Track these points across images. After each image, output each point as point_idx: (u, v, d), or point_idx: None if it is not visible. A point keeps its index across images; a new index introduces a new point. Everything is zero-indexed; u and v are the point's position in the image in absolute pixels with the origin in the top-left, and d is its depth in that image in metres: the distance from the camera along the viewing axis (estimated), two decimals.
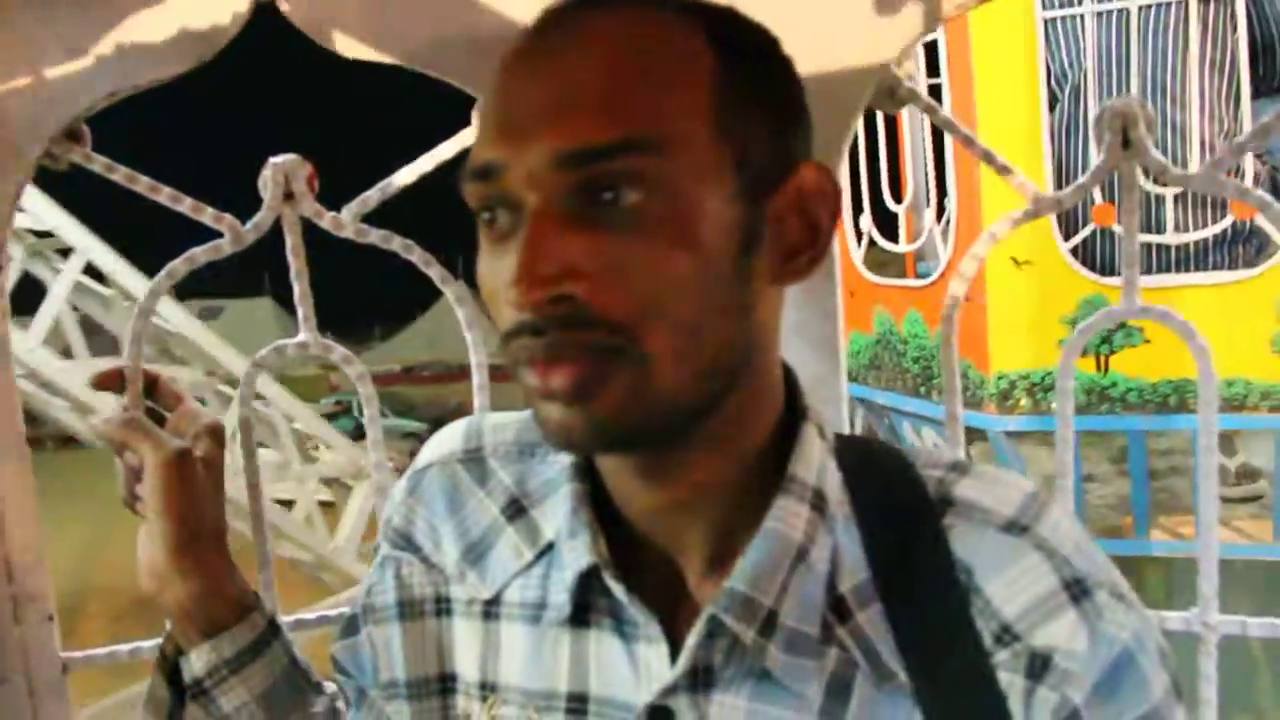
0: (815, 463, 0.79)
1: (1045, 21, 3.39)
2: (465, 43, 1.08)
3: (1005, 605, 0.74)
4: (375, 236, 1.24)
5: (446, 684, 0.89)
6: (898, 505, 0.79)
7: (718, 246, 0.70)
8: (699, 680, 0.77)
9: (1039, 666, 0.73)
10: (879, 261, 5.09)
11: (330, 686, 1.07)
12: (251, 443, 1.24)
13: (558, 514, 0.84)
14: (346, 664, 0.96)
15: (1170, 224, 3.32)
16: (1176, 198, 3.39)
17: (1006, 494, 0.78)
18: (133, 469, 1.04)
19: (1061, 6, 3.42)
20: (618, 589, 0.78)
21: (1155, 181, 1.02)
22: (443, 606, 0.90)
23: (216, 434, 1.08)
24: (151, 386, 1.12)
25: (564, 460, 0.84)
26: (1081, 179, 1.13)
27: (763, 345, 0.77)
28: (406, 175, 1.23)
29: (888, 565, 0.77)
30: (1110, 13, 3.25)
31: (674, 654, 0.77)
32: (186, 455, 1.02)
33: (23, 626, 1.18)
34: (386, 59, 1.13)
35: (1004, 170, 1.19)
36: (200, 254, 1.20)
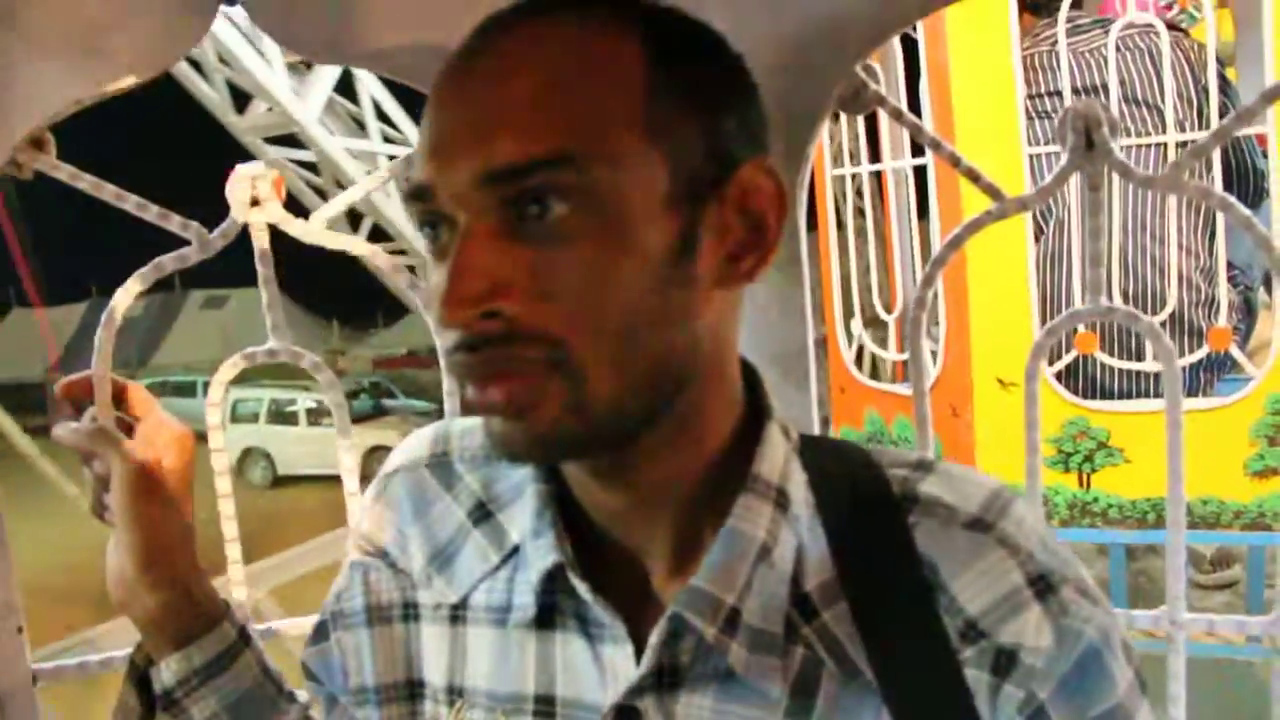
0: (779, 462, 0.80)
1: (1031, 157, 3.43)
2: (427, 47, 1.09)
3: (970, 602, 0.75)
4: (342, 242, 1.23)
5: (415, 689, 0.89)
6: (862, 504, 0.79)
7: (651, 254, 0.70)
8: (664, 680, 0.77)
9: (1005, 663, 0.74)
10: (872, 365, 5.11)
11: (302, 695, 1.07)
12: (224, 455, 1.23)
13: (524, 516, 0.84)
14: (316, 670, 0.96)
15: (1150, 352, 3.37)
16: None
17: (970, 491, 0.79)
18: (100, 478, 1.03)
19: (1046, 144, 3.46)
20: (582, 588, 0.79)
21: (1122, 177, 1.03)
22: (410, 612, 0.90)
23: (184, 443, 1.07)
24: (120, 395, 1.11)
25: None
26: (1046, 180, 1.14)
27: (714, 348, 0.77)
28: (373, 180, 1.24)
29: (853, 564, 0.78)
30: None
31: (639, 654, 0.77)
32: (154, 465, 1.02)
33: None
34: (351, 64, 1.13)
35: (971, 174, 1.20)
36: (167, 261, 1.19)
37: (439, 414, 0.99)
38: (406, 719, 0.89)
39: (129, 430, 1.08)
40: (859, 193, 4.82)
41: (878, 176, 4.72)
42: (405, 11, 1.10)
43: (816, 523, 0.79)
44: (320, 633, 0.96)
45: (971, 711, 0.74)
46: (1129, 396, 3.48)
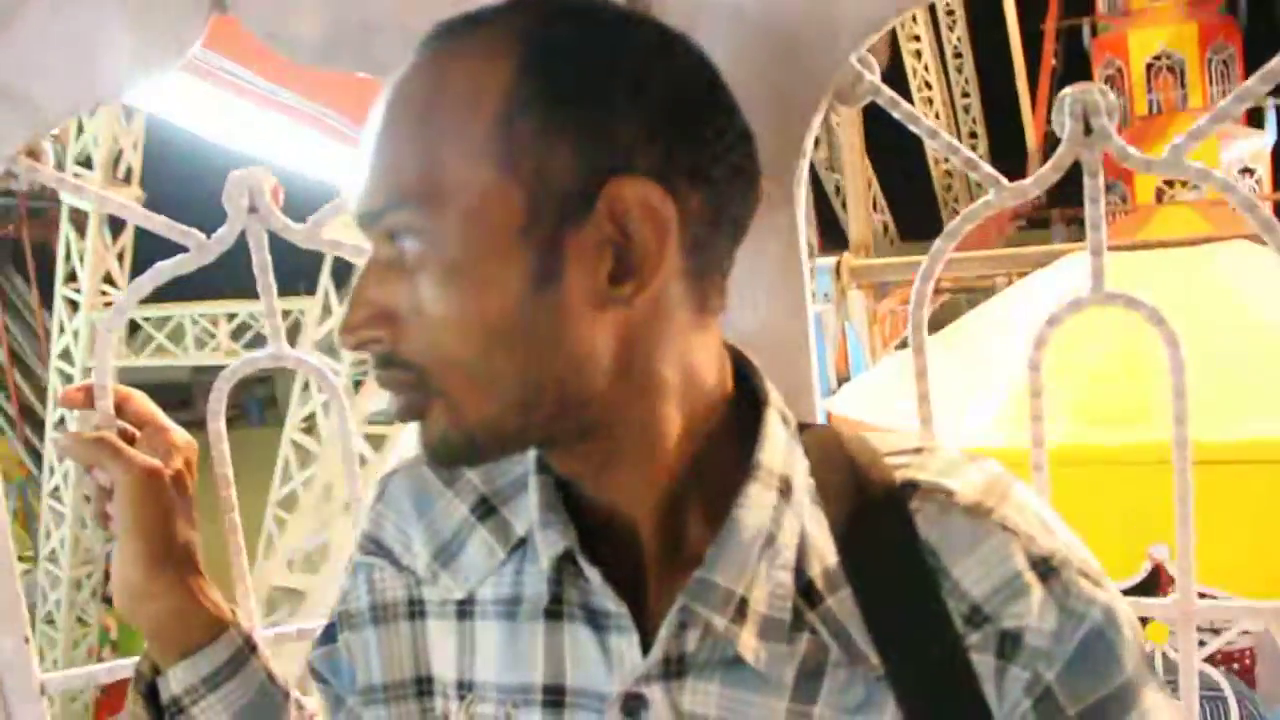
0: (780, 450, 0.80)
1: None
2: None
3: (974, 586, 0.75)
4: (348, 249, 1.23)
5: (423, 686, 0.89)
6: (863, 491, 0.79)
7: (500, 287, 0.71)
8: (671, 668, 0.77)
9: (1009, 645, 0.74)
10: None
11: (309, 702, 1.06)
12: (225, 455, 1.23)
13: (528, 508, 0.84)
14: (324, 672, 0.96)
15: None
16: None
17: (971, 477, 0.79)
18: (103, 488, 1.03)
19: None
20: (592, 572, 0.79)
21: (1121, 161, 1.03)
22: (416, 609, 0.90)
23: (187, 451, 1.07)
24: (122, 405, 1.11)
25: (529, 456, 0.84)
26: (1043, 168, 1.13)
27: (624, 362, 0.75)
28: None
29: (855, 550, 0.78)
30: None
31: (645, 642, 0.78)
32: (157, 474, 1.01)
33: None
34: (344, 68, 1.13)
35: (970, 164, 1.20)
36: (166, 268, 1.19)
37: None
38: (415, 716, 0.89)
39: (130, 439, 1.07)
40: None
41: None
42: (397, 14, 1.10)
43: (818, 509, 0.80)
44: (328, 634, 0.96)
45: (978, 695, 0.74)
46: None
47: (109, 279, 12.12)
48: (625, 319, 0.74)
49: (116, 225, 11.98)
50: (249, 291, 1.18)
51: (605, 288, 0.72)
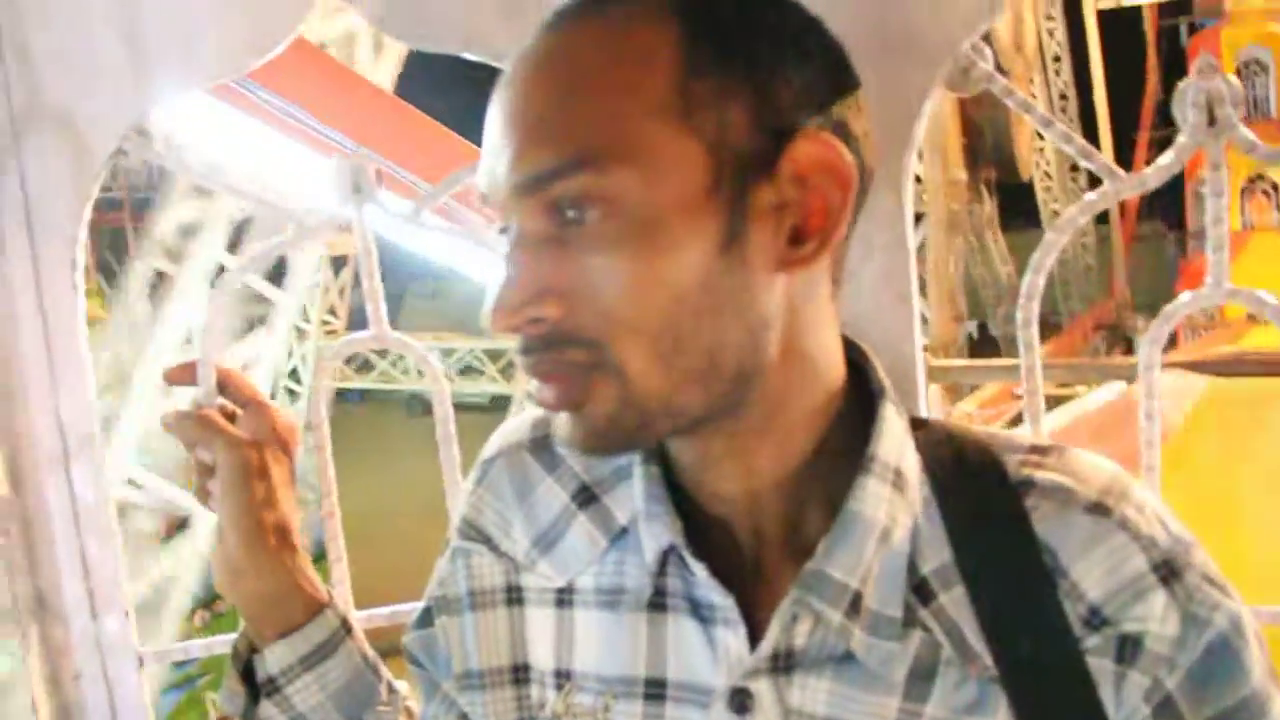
0: (896, 442, 0.77)
1: None
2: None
3: (1092, 588, 0.72)
4: (449, 230, 1.23)
5: (520, 674, 0.88)
6: (979, 487, 0.77)
7: (690, 247, 0.68)
8: (780, 663, 0.75)
9: (1129, 650, 0.71)
10: None
11: (402, 685, 1.06)
12: (325, 438, 1.24)
13: (631, 498, 0.83)
14: (420, 656, 0.95)
15: None
16: None
17: (1090, 475, 0.76)
18: (205, 465, 1.04)
19: None
20: (698, 568, 0.77)
21: (1246, 153, 0.99)
22: (514, 596, 0.89)
23: (289, 430, 1.07)
24: (224, 382, 1.11)
25: None
26: (1165, 159, 1.09)
27: (789, 331, 0.74)
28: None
29: (970, 547, 0.75)
30: None
31: (752, 636, 0.76)
32: (257, 451, 1.02)
33: (99, 622, 1.20)
34: (453, 50, 1.12)
35: (1085, 153, 1.16)
36: (271, 247, 1.20)
37: None
38: (511, 703, 0.88)
39: (231, 417, 1.08)
40: None
41: None
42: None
43: (932, 505, 0.77)
44: (424, 618, 0.95)
45: (1094, 700, 0.72)
46: None
47: (332, 310, 14.52)
48: (789, 287, 0.73)
49: (337, 266, 14.36)
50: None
51: (785, 248, 0.71)
